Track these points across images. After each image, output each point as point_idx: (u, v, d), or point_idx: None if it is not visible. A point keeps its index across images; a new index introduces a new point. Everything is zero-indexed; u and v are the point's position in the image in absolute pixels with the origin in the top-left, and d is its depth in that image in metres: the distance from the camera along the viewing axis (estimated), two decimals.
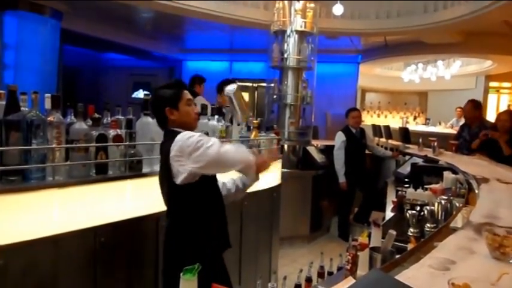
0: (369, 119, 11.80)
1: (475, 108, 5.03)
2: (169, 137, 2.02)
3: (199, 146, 1.90)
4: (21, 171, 1.89)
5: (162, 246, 2.15)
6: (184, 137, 1.94)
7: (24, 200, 1.83)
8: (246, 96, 10.43)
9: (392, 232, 1.71)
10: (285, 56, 5.44)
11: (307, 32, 5.47)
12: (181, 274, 1.22)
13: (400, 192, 3.18)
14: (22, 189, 1.83)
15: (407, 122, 10.19)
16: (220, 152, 1.91)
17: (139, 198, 2.39)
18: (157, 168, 2.51)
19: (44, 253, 1.92)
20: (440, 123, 9.90)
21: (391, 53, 8.86)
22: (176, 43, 9.95)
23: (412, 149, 5.55)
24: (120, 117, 2.59)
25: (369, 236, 1.76)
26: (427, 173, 3.99)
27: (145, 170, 2.43)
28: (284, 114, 5.51)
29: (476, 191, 2.45)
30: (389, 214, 3.22)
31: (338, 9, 5.93)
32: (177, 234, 2.06)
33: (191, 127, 2.10)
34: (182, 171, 1.92)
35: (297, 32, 5.40)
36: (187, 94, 2.10)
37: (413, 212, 2.41)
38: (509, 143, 4.08)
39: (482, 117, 5.33)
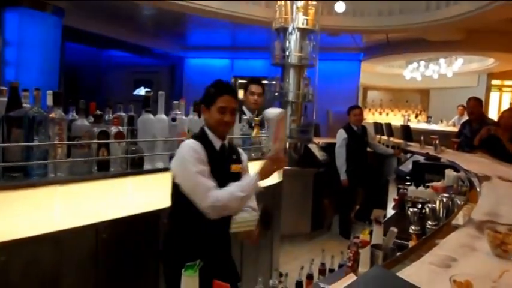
0: (370, 117, 11.80)
1: (480, 104, 5.05)
2: (195, 135, 2.12)
3: (196, 190, 1.92)
4: (23, 168, 1.89)
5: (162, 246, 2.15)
6: (181, 159, 1.97)
7: (26, 197, 1.84)
8: None
9: (394, 230, 1.71)
10: (287, 53, 5.42)
11: (309, 30, 5.45)
12: (182, 270, 1.22)
13: (401, 190, 3.18)
14: (24, 185, 1.84)
15: (409, 120, 10.16)
16: (216, 206, 1.89)
17: (140, 195, 2.39)
18: (158, 165, 2.52)
19: (45, 250, 1.93)
20: (442, 121, 9.90)
21: (393, 50, 8.84)
22: (178, 40, 9.94)
23: (414, 146, 5.55)
24: (121, 114, 2.60)
25: (370, 233, 1.76)
26: (428, 170, 3.99)
27: (146, 167, 2.43)
28: (285, 111, 5.51)
29: (478, 189, 2.45)
30: (390, 212, 3.22)
31: (340, 6, 5.93)
32: (175, 234, 2.06)
33: (219, 133, 2.08)
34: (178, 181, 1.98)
35: (299, 29, 5.38)
36: (223, 101, 2.01)
37: (415, 209, 2.41)
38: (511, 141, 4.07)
39: (483, 114, 5.33)
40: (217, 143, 2.08)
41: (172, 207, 2.10)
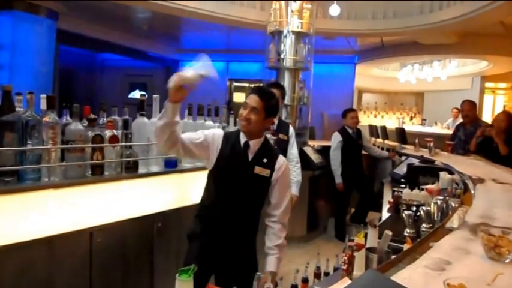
0: (365, 120, 11.81)
1: (474, 107, 5.08)
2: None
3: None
4: (16, 172, 1.88)
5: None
6: None
7: (20, 201, 1.83)
8: (242, 97, 10.44)
9: (389, 232, 1.71)
10: (282, 56, 5.43)
11: (304, 33, 5.46)
12: (177, 275, 1.22)
13: (396, 193, 3.18)
14: (17, 190, 1.83)
15: (403, 123, 10.16)
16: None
17: (135, 199, 2.38)
18: (153, 169, 2.51)
19: (39, 254, 1.91)
20: (436, 124, 9.93)
21: (388, 53, 8.88)
22: (172, 43, 9.94)
23: (409, 149, 5.56)
24: (116, 117, 2.59)
25: (365, 236, 1.76)
26: (423, 173, 3.99)
27: (141, 170, 2.43)
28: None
29: (472, 191, 2.46)
30: (385, 214, 3.21)
31: (334, 9, 5.94)
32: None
33: (243, 131, 2.15)
34: None
35: (294, 32, 5.39)
36: (248, 98, 2.13)
37: (410, 212, 2.41)
38: (506, 143, 4.10)
39: (477, 116, 5.37)
40: (242, 140, 2.14)
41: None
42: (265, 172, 2.13)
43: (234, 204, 2.12)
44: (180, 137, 1.99)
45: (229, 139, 2.14)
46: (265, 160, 2.15)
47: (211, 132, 2.16)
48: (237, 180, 2.11)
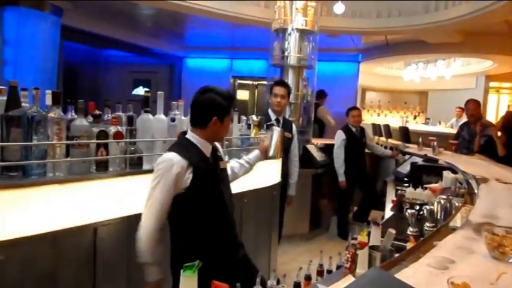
0: (369, 118, 11.78)
1: (479, 106, 5.08)
2: (177, 145, 2.03)
3: (150, 190, 1.98)
4: (21, 167, 1.89)
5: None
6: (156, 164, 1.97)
7: (25, 196, 1.84)
8: (246, 94, 10.44)
9: (392, 231, 1.71)
10: (286, 54, 5.43)
11: (308, 31, 5.46)
12: (181, 271, 1.23)
13: (399, 192, 3.19)
14: (22, 185, 1.84)
15: (407, 122, 10.16)
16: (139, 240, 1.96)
17: (139, 195, 2.39)
18: None
19: (43, 249, 1.92)
20: (440, 123, 9.90)
21: (392, 52, 8.85)
22: (177, 40, 9.94)
23: (412, 148, 5.56)
24: (120, 113, 2.60)
25: (369, 234, 1.76)
26: (426, 172, 4.00)
27: (145, 167, 2.43)
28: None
29: (476, 191, 2.46)
30: (388, 213, 3.22)
31: (339, 7, 5.93)
32: (177, 241, 2.09)
33: (218, 141, 2.18)
34: None
35: (298, 30, 5.39)
36: (231, 112, 2.13)
37: (413, 211, 2.41)
38: (505, 145, 4.09)
39: (481, 116, 5.36)
40: (207, 149, 2.06)
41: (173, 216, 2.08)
42: (224, 163, 2.22)
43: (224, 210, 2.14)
44: (158, 219, 1.98)
45: (191, 154, 1.97)
46: (219, 153, 2.21)
47: (164, 169, 1.91)
48: (220, 186, 2.11)
